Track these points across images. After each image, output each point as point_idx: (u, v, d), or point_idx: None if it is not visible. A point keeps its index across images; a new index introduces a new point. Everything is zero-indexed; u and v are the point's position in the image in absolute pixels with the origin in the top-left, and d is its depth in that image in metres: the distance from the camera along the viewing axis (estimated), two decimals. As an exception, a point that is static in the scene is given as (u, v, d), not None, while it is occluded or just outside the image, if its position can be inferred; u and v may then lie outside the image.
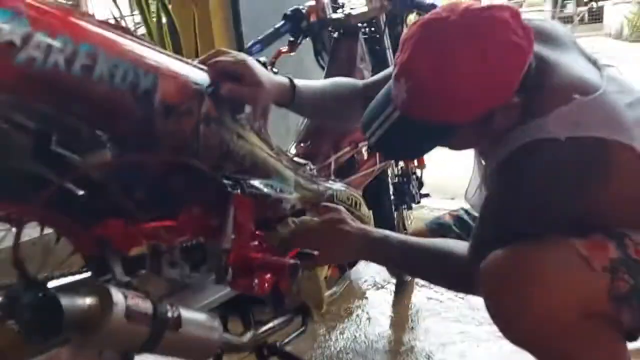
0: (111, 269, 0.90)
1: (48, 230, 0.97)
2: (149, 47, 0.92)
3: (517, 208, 0.94)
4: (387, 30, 1.73)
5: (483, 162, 1.11)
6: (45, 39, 0.73)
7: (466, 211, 1.35)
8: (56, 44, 0.74)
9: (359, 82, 1.27)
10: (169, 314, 0.85)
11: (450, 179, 3.43)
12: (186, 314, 0.89)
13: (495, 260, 0.92)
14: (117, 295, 0.77)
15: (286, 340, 1.26)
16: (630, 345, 0.98)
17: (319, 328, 1.77)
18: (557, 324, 0.88)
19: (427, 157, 2.06)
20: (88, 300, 0.74)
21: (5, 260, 1.78)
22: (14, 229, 0.89)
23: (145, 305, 0.81)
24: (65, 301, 0.71)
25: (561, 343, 0.91)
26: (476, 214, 1.32)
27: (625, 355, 0.97)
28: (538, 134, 0.90)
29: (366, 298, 2.00)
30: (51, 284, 0.90)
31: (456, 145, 1.02)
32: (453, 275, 1.06)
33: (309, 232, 1.13)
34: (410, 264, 1.12)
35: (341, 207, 1.16)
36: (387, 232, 1.12)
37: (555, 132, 0.88)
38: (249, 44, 1.61)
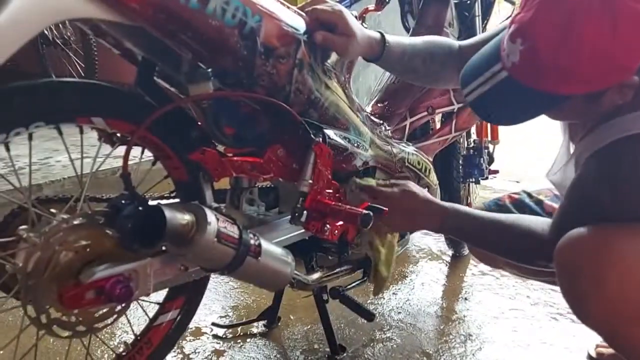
0: (202, 193, 0.97)
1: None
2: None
3: (609, 198, 0.91)
4: (479, -3, 1.70)
5: (572, 145, 1.08)
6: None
7: (528, 194, 1.33)
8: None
9: (455, 43, 1.23)
10: (252, 242, 0.91)
11: (518, 162, 3.38)
12: (266, 245, 0.95)
13: (573, 238, 0.92)
14: (211, 216, 0.83)
15: (345, 288, 1.31)
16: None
17: (372, 286, 1.81)
18: (630, 308, 0.88)
19: (500, 134, 2.05)
20: (187, 216, 0.81)
21: (103, 179, 1.92)
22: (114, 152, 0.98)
23: (233, 230, 0.87)
24: (168, 213, 0.77)
25: (631, 327, 0.90)
26: (540, 197, 1.31)
27: None
28: None
29: (421, 265, 2.03)
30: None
31: (556, 115, 0.98)
32: (529, 251, 1.06)
33: (384, 195, 1.15)
34: (482, 237, 1.12)
35: (411, 182, 1.18)
36: (456, 205, 1.14)
37: None
38: (339, -1, 1.62)
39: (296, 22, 1.03)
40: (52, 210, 0.89)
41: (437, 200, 1.16)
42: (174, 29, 0.84)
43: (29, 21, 0.68)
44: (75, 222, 0.86)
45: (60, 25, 3.12)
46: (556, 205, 1.15)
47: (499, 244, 1.11)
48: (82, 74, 3.11)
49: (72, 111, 0.83)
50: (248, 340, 1.48)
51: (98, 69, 3.04)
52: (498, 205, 1.31)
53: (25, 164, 0.88)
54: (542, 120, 1.13)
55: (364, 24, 1.36)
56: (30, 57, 3.12)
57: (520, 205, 1.30)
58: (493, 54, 0.93)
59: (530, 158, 3.41)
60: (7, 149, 0.82)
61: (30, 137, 0.83)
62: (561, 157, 1.12)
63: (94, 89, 0.86)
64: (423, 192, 1.15)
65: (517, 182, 3.01)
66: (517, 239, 1.07)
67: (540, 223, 1.06)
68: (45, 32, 3.10)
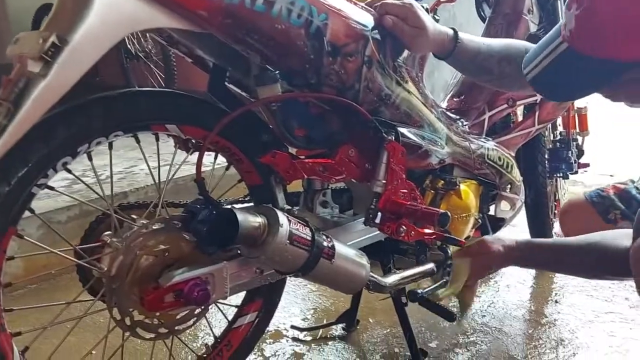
0: (274, 195, 0.96)
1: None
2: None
3: None
4: (560, -19, 1.59)
5: None
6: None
7: (637, 187, 1.23)
8: (244, -21, 0.79)
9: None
10: (325, 243, 0.90)
11: (612, 154, 3.15)
12: (339, 247, 0.93)
13: None
14: (283, 218, 0.83)
15: (425, 291, 1.26)
16: None
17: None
18: None
19: (590, 124, 1.91)
20: (258, 219, 0.81)
21: (183, 185, 1.99)
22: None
23: (305, 231, 0.86)
24: (240, 217, 0.78)
25: None
26: None
27: None
28: None
29: (505, 266, 1.93)
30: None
31: (621, 94, 0.88)
32: (620, 264, 0.97)
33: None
34: (563, 263, 1.12)
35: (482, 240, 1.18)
36: (529, 239, 1.14)
37: None
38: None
39: (364, 18, 1.00)
40: (133, 216, 0.92)
41: (509, 241, 1.16)
42: (241, 33, 0.85)
43: (105, 34, 0.70)
44: (154, 227, 0.88)
45: (141, 39, 3.29)
46: None
47: (581, 265, 1.08)
48: (163, 85, 3.26)
49: (147, 119, 0.85)
50: (327, 343, 1.46)
51: (177, 79, 3.19)
52: (600, 196, 1.23)
53: (109, 174, 0.92)
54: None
55: (435, 16, 1.31)
56: (115, 70, 3.31)
57: (626, 197, 1.20)
58: (555, 31, 0.85)
59: (626, 150, 3.17)
60: (90, 159, 0.86)
61: (110, 146, 0.87)
62: None
63: (166, 97, 0.88)
64: (493, 244, 1.16)
65: (611, 175, 2.81)
66: (601, 256, 1.02)
67: (624, 235, 0.99)
68: (129, 46, 3.28)
